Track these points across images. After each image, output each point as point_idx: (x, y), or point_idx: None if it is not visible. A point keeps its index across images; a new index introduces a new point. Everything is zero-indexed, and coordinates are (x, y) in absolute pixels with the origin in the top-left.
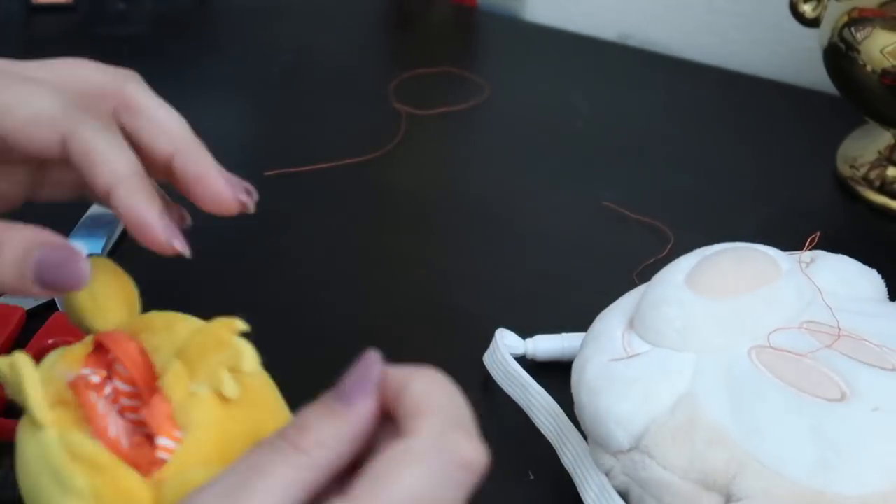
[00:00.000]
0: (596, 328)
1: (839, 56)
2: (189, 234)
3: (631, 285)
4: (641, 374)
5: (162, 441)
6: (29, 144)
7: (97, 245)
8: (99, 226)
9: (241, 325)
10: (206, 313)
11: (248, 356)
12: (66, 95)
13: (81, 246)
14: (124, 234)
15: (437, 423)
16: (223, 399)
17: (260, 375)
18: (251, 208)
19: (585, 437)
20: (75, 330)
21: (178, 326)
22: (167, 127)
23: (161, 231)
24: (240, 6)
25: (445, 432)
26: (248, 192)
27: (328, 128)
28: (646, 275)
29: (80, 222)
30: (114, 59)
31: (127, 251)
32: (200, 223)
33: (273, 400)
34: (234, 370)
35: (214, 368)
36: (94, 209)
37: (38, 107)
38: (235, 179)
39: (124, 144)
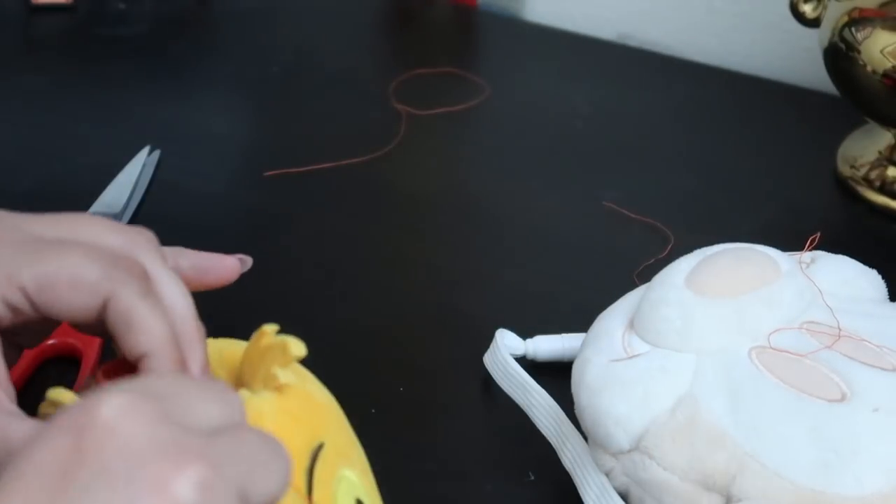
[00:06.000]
0: (596, 328)
1: (839, 56)
2: (186, 237)
3: (631, 285)
4: (641, 375)
5: None
6: (69, 312)
7: None
8: None
9: (272, 326)
10: (205, 313)
11: (294, 343)
12: (102, 257)
13: None
14: None
15: None
16: (282, 392)
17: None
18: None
19: (586, 438)
20: (71, 331)
21: (228, 353)
22: (169, 306)
23: None
24: (240, 6)
25: None
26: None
27: (328, 128)
28: (646, 275)
29: None
30: (114, 59)
31: None
32: (200, 223)
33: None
34: (285, 364)
35: (266, 371)
36: (97, 207)
37: (79, 273)
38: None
39: (161, 311)
